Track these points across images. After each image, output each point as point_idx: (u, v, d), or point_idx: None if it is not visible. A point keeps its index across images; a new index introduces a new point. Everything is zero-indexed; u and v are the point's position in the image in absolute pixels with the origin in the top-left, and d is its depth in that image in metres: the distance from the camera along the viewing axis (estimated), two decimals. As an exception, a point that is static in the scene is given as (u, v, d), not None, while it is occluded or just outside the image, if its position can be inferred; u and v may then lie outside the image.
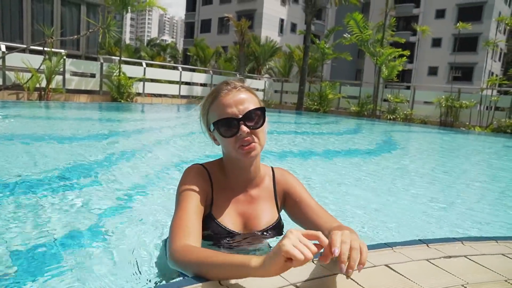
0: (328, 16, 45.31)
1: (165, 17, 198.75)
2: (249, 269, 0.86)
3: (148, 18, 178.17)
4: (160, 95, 16.42)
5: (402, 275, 1.06)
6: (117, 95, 12.95)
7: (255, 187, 1.37)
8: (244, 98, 1.21)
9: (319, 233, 0.87)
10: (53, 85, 11.34)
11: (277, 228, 1.39)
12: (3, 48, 10.73)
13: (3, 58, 10.65)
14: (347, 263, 0.85)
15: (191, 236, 1.09)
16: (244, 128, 1.18)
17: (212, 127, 1.24)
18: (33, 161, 3.93)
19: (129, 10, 13.43)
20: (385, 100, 16.82)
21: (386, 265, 1.12)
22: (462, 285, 1.04)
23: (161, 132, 7.41)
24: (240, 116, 1.18)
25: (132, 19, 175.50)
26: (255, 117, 1.21)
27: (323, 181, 4.07)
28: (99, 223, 2.31)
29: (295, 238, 0.82)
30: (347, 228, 1.17)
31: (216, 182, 1.32)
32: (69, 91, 12.27)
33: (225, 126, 1.19)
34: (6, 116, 7.85)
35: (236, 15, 34.31)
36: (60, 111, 9.69)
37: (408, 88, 20.11)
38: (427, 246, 1.38)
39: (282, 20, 41.06)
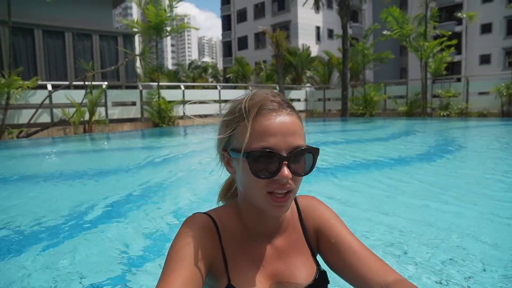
0: (365, 17, 44.16)
1: (204, 39, 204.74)
2: None
3: (188, 43, 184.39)
4: (206, 116, 16.41)
5: None
6: (158, 120, 13.09)
7: (281, 235, 0.99)
8: (293, 128, 0.85)
9: None
10: (96, 117, 11.65)
11: (318, 284, 0.98)
12: (50, 87, 11.22)
13: (50, 96, 11.11)
14: None
15: None
16: (286, 173, 0.82)
17: (235, 154, 0.86)
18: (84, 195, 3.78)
19: (163, 36, 13.64)
20: (435, 96, 15.77)
21: None
22: None
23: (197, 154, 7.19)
24: (285, 154, 0.83)
25: (172, 45, 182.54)
26: (303, 160, 0.86)
27: (372, 201, 3.55)
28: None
29: None
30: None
31: (228, 237, 0.94)
32: (112, 121, 12.57)
33: (262, 161, 0.83)
34: (54, 152, 8.04)
35: (271, 29, 34.33)
36: (100, 142, 9.78)
37: (459, 80, 18.70)
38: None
39: (318, 28, 40.54)
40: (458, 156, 6.11)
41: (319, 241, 1.01)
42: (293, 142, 0.84)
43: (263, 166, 0.83)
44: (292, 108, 0.89)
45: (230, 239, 0.94)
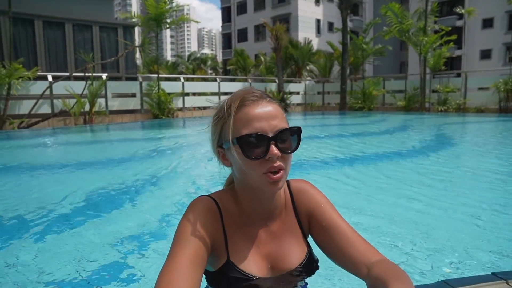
0: (365, 11, 44.01)
1: (203, 31, 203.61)
2: None
3: (187, 34, 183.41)
4: (205, 108, 16.47)
5: None
6: (157, 111, 13.16)
7: (276, 219, 1.09)
8: (275, 113, 0.96)
9: None
10: (96, 108, 11.72)
11: (309, 264, 1.09)
12: (50, 78, 11.26)
13: (51, 87, 11.17)
14: None
15: None
16: (274, 150, 0.92)
17: (227, 144, 0.96)
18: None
19: (163, 28, 13.65)
20: (434, 91, 15.85)
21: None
22: None
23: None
24: (271, 135, 0.93)
25: (172, 36, 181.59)
26: (289, 139, 0.96)
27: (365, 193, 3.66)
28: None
29: None
30: (392, 268, 0.88)
31: (229, 218, 1.04)
32: (112, 112, 12.63)
33: (252, 144, 0.93)
34: (55, 142, 8.11)
35: (271, 21, 34.22)
36: (101, 134, 9.88)
37: (458, 75, 18.79)
38: (507, 283, 1.01)
39: (318, 21, 40.40)
40: (439, 153, 6.12)
41: (310, 224, 1.10)
42: (278, 125, 0.94)
43: (253, 148, 0.92)
44: (272, 98, 1.00)
45: (230, 220, 1.04)
